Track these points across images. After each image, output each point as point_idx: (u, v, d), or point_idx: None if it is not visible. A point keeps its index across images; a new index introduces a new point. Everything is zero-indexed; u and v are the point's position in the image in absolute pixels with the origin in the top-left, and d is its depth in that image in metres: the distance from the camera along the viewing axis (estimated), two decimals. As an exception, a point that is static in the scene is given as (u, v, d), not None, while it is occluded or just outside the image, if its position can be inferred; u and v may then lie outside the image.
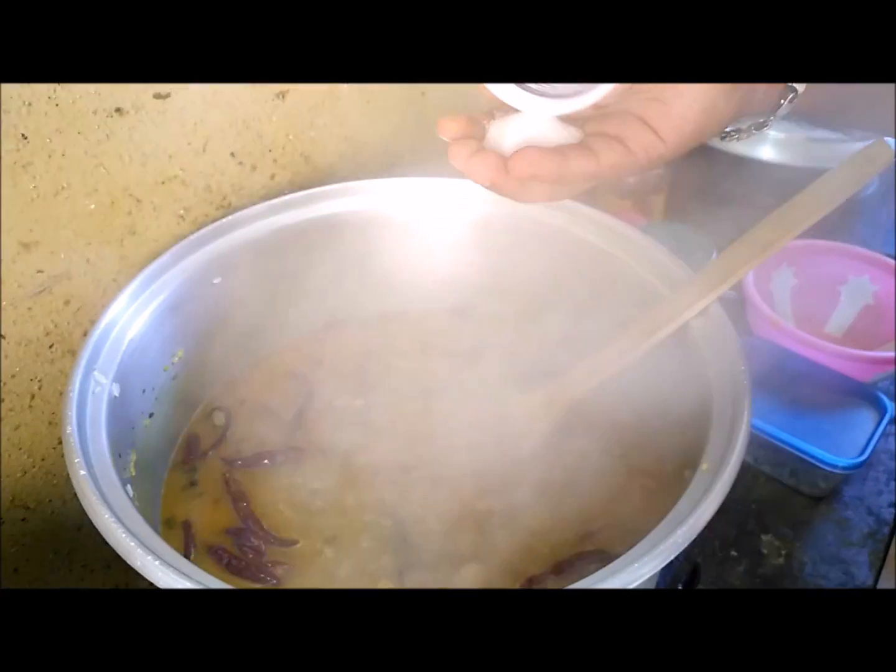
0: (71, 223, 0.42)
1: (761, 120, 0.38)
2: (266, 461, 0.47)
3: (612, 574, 0.29)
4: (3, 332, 0.42)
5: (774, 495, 0.59)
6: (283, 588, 0.40)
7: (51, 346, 0.45)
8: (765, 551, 0.55)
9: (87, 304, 0.45)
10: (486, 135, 0.35)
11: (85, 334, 0.42)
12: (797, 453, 0.57)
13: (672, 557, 0.30)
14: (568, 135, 0.34)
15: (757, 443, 0.58)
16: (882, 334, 0.69)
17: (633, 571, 0.29)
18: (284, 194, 0.52)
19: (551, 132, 0.34)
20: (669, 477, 0.43)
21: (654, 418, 0.44)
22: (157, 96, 0.43)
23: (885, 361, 0.63)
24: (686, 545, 0.30)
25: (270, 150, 0.52)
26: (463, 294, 0.57)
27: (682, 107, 0.33)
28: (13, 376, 0.44)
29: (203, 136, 0.47)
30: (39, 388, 0.45)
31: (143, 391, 0.44)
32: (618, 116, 0.34)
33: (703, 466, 0.34)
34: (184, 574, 0.29)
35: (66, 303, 0.44)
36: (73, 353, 0.41)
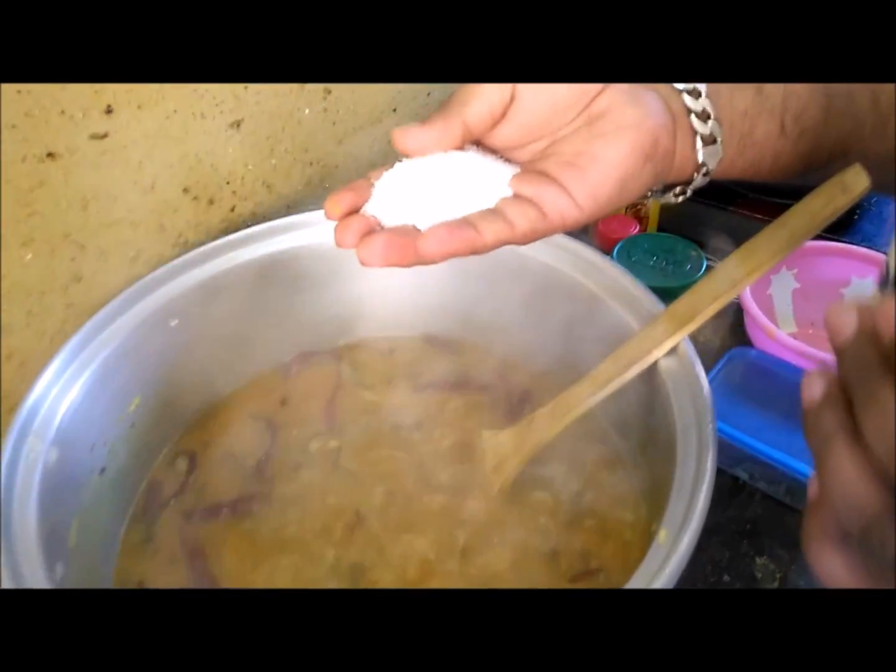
0: (7, 275, 0.40)
1: (678, 189, 0.38)
2: (225, 509, 0.45)
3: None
4: (-59, 393, 0.40)
5: (770, 514, 0.56)
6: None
7: (-5, 403, 0.43)
8: (759, 575, 0.52)
9: (31, 358, 0.43)
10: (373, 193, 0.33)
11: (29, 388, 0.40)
12: (793, 472, 0.54)
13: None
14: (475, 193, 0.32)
15: (752, 459, 0.56)
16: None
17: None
18: (246, 226, 0.49)
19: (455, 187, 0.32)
20: (641, 528, 0.40)
21: (621, 465, 0.41)
22: (94, 137, 0.41)
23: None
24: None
25: (228, 182, 0.50)
26: (432, 321, 0.55)
27: (598, 174, 0.32)
28: (-44, 436, 0.42)
29: (150, 174, 0.45)
30: (-14, 447, 0.44)
31: (93, 447, 0.42)
32: (535, 177, 0.33)
33: (661, 535, 0.31)
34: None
35: (8, 357, 0.43)
36: (17, 410, 0.39)
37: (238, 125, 0.49)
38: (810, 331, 0.69)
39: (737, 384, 0.62)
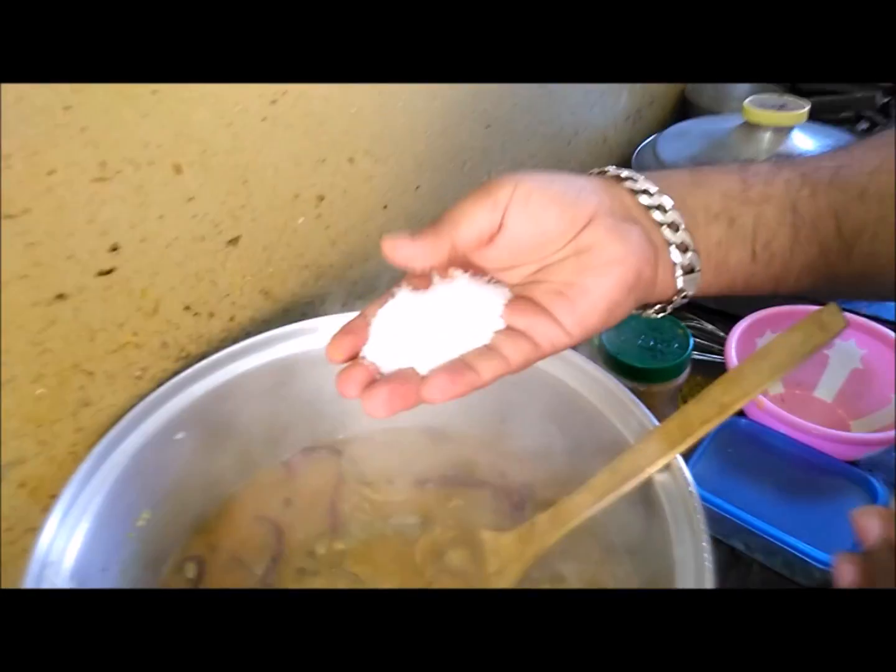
0: (18, 412, 0.42)
1: (658, 307, 0.40)
2: None
3: None
4: (-43, 526, 0.42)
5: (769, 586, 0.57)
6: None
7: (9, 529, 0.45)
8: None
9: (44, 482, 0.45)
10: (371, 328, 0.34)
11: (44, 509, 0.41)
12: (787, 547, 0.56)
13: None
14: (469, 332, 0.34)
15: (748, 531, 0.57)
16: (873, 399, 0.68)
17: None
18: (246, 332, 0.51)
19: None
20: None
21: (622, 572, 0.43)
22: (101, 274, 0.43)
23: (870, 443, 0.62)
24: None
25: (227, 295, 0.52)
26: (431, 415, 0.56)
27: (586, 306, 0.34)
28: (-30, 566, 0.43)
29: (153, 299, 0.46)
30: None
31: (104, 569, 0.43)
32: (526, 307, 0.35)
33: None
34: None
35: (22, 486, 0.44)
36: (33, 531, 0.40)
37: (236, 242, 0.51)
38: (797, 391, 0.70)
39: (728, 454, 0.63)
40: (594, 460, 0.43)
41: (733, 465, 0.63)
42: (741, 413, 0.67)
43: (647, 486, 0.41)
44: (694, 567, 0.36)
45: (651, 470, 0.40)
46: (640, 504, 0.41)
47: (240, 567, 0.49)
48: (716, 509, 0.57)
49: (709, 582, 0.35)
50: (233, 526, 0.52)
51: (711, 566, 0.36)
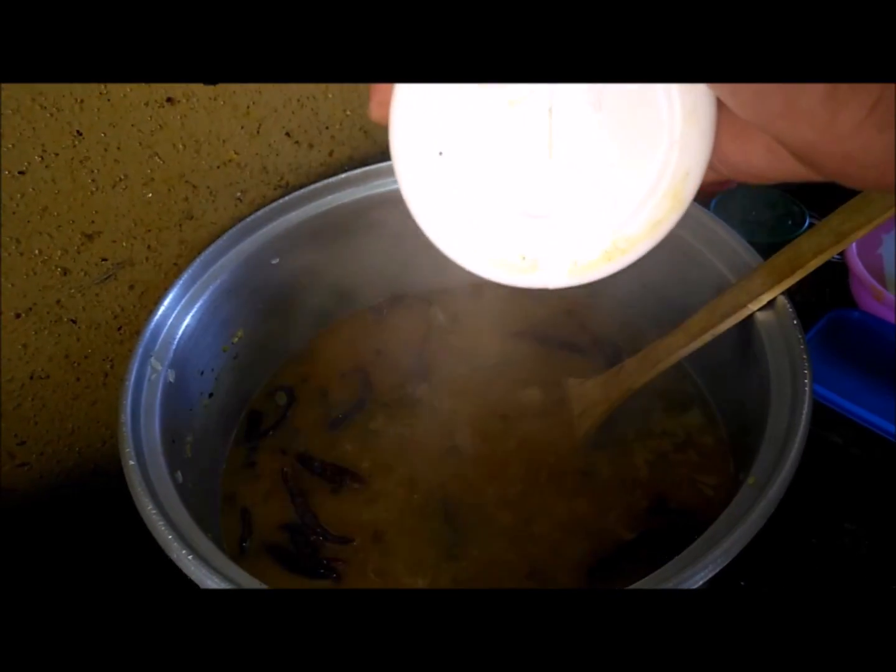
0: (130, 212, 0.44)
1: None
2: (328, 469, 0.46)
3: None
4: (74, 317, 0.45)
5: (864, 481, 0.55)
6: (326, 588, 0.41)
7: (119, 329, 0.47)
8: (846, 540, 0.52)
9: (150, 288, 0.47)
10: None
11: (151, 314, 0.44)
12: (892, 438, 0.53)
13: (703, 582, 0.28)
14: None
15: (848, 423, 0.54)
16: None
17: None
18: (344, 171, 0.51)
19: None
20: (728, 483, 0.41)
21: (708, 419, 0.41)
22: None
23: None
24: (719, 570, 0.28)
25: (328, 127, 0.52)
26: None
27: None
28: (86, 357, 0.46)
29: (256, 118, 0.47)
30: (112, 367, 0.48)
31: (202, 373, 0.46)
32: None
33: (750, 480, 0.31)
34: (216, 571, 0.31)
35: (131, 287, 0.46)
36: (140, 334, 0.42)
37: (339, 71, 0.50)
38: (922, 295, 0.65)
39: (837, 345, 0.60)
40: (693, 306, 0.41)
41: (841, 356, 0.60)
42: (853, 305, 0.63)
43: (748, 324, 0.38)
44: (790, 402, 0.34)
45: (754, 306, 0.38)
46: (737, 343, 0.39)
47: (327, 402, 0.51)
48: (817, 399, 0.54)
49: (805, 417, 0.33)
50: (325, 360, 0.53)
51: (811, 400, 0.34)
